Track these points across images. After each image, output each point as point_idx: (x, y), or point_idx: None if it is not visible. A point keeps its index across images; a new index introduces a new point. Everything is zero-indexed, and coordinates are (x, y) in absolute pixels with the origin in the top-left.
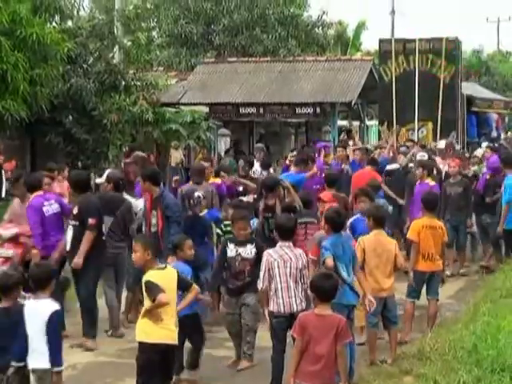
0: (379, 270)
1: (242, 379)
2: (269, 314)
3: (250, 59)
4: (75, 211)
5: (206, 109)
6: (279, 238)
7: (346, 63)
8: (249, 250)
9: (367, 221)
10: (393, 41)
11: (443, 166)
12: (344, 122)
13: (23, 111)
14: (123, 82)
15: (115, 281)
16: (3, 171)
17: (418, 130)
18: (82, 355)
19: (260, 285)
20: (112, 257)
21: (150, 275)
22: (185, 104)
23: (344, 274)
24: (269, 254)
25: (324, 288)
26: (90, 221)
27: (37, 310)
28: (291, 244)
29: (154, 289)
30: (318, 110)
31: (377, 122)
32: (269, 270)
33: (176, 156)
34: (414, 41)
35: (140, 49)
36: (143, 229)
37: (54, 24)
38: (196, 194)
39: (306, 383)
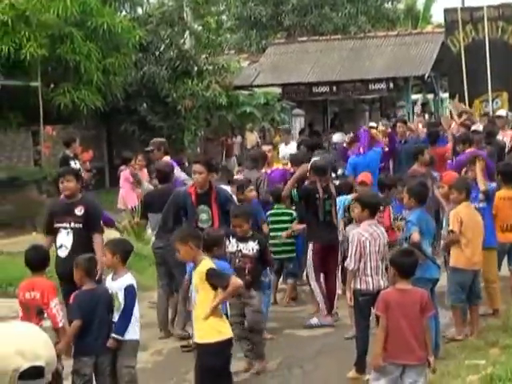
0: (473, 242)
1: (327, 359)
2: (354, 293)
3: (320, 38)
4: (80, 212)
5: (278, 90)
6: (369, 216)
7: (418, 37)
8: (250, 247)
9: (456, 194)
10: (459, 10)
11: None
12: (418, 96)
13: (98, 101)
14: (195, 68)
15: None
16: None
17: (492, 101)
18: (165, 342)
19: (351, 265)
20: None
21: (209, 263)
22: (257, 86)
23: (427, 248)
24: (359, 234)
25: (404, 264)
26: (102, 223)
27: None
28: (376, 222)
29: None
30: (392, 85)
31: None
32: (360, 249)
33: (252, 138)
34: (481, 8)
35: (210, 33)
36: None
37: (124, 13)
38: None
39: (398, 361)
